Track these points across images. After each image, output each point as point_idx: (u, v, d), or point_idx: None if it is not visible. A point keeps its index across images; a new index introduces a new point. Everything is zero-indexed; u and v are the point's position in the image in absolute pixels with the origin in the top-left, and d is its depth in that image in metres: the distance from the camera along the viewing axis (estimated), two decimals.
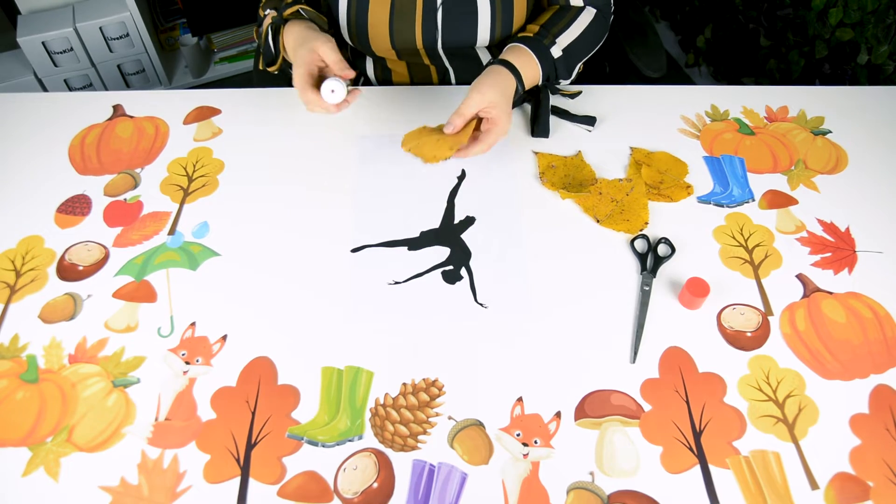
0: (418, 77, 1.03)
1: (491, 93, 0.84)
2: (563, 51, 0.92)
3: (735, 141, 0.95)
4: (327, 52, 0.82)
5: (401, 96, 0.99)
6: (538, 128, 0.94)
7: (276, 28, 0.90)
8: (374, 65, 1.03)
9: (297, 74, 0.83)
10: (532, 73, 0.90)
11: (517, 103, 0.97)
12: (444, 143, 0.85)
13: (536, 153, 0.92)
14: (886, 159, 0.93)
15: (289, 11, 0.90)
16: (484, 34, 0.95)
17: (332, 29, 1.01)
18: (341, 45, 1.04)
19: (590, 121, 0.95)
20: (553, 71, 0.92)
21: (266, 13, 0.95)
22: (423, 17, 0.93)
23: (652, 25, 1.17)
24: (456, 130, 0.84)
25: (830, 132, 0.96)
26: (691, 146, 0.94)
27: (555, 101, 0.99)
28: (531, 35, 0.92)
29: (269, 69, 0.95)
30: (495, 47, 1.00)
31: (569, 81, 0.97)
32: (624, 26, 1.16)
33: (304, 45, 0.84)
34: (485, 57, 1.01)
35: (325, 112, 0.84)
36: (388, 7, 0.92)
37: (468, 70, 1.01)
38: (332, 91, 0.81)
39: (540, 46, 0.90)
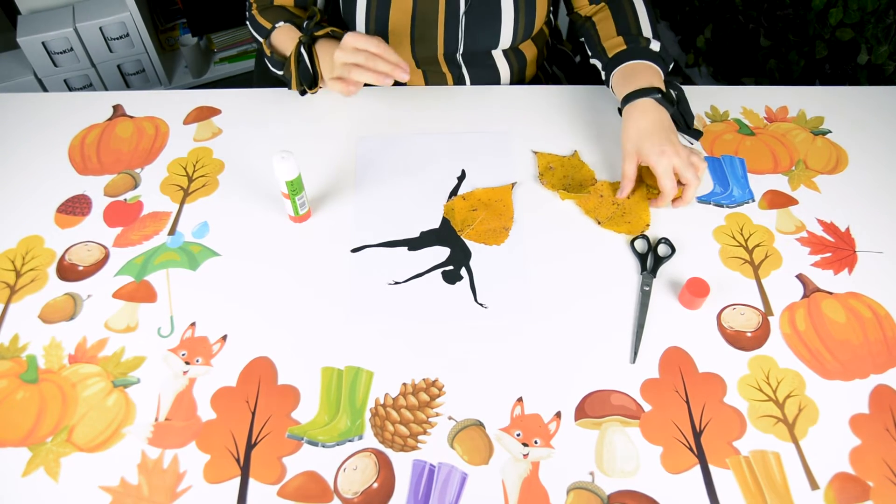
0: (434, 84, 1.02)
1: (633, 139, 0.82)
2: (654, 38, 0.90)
3: (735, 141, 0.95)
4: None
5: (401, 96, 0.99)
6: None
7: (307, 47, 0.87)
8: None
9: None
10: (658, 78, 0.86)
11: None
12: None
13: (536, 153, 0.92)
14: (886, 159, 0.93)
15: (321, 32, 0.88)
16: (506, 38, 0.94)
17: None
18: None
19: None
20: (664, 64, 0.89)
21: (276, 26, 0.91)
22: (446, 25, 0.92)
23: None
24: (626, 194, 0.84)
25: (830, 132, 0.96)
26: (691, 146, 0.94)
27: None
28: (626, 48, 0.88)
29: (311, 91, 0.91)
30: (511, 50, 0.99)
31: (670, 66, 0.92)
32: None
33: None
34: (500, 60, 1.00)
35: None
36: (410, 15, 0.91)
37: (484, 75, 1.00)
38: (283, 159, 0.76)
39: (649, 53, 0.87)
